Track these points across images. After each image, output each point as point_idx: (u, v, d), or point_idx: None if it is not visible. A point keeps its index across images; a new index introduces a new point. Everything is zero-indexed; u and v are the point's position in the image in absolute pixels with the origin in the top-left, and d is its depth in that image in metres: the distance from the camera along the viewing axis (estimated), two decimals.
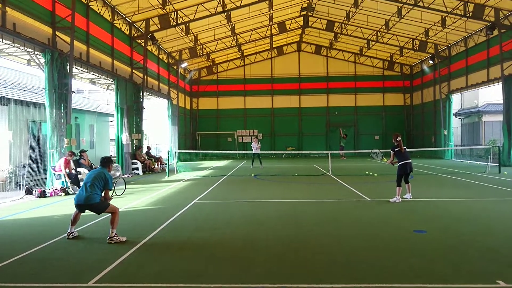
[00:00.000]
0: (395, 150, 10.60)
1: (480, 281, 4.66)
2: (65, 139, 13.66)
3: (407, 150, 10.86)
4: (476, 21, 22.31)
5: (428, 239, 6.61)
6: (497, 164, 18.18)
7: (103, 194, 6.89)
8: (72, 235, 6.91)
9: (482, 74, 24.44)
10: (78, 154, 15.30)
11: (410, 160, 10.52)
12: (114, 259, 5.60)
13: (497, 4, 20.36)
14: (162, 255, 5.87)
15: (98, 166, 7.28)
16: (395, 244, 6.36)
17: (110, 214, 6.81)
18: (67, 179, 12.85)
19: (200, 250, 6.16)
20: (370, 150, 15.03)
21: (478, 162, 23.50)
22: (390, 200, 10.31)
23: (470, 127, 31.72)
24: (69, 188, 12.79)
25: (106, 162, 7.17)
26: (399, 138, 10.60)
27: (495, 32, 21.57)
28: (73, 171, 13.22)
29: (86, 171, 14.10)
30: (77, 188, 12.78)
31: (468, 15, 21.40)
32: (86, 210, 6.95)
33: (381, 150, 14.36)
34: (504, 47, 21.15)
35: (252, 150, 23.18)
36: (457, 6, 21.33)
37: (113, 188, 6.95)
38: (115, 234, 6.60)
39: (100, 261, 5.55)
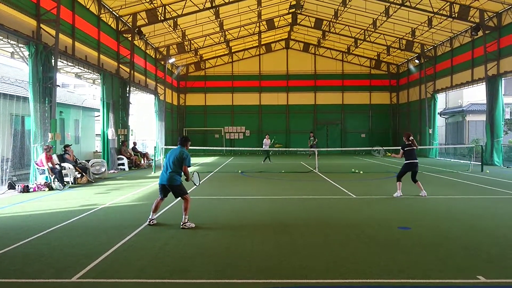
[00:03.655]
0: (405, 148, 10.84)
1: (462, 277, 4.76)
2: (49, 134, 13.45)
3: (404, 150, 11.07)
4: (461, 22, 22.65)
5: (412, 236, 6.72)
6: (480, 163, 18.55)
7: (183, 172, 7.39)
8: (152, 222, 7.43)
9: (467, 74, 24.83)
10: (63, 149, 15.06)
11: (417, 161, 10.84)
12: (99, 255, 5.55)
13: (482, 6, 20.70)
14: (148, 251, 5.83)
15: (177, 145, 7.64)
16: (379, 240, 6.44)
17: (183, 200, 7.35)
18: (50, 174, 12.65)
19: (186, 246, 6.14)
20: (371, 148, 15.22)
21: (462, 161, 23.91)
22: (394, 195, 10.79)
23: (454, 126, 32.25)
24: (53, 183, 12.58)
25: (184, 140, 7.69)
26: (411, 138, 10.87)
27: (480, 33, 21.94)
28: (57, 166, 13.01)
29: (71, 167, 13.91)
30: (60, 184, 12.55)
31: (453, 15, 21.72)
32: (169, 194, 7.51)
33: (384, 148, 14.36)
34: (488, 48, 21.51)
35: (263, 146, 23.78)
36: (443, 7, 21.62)
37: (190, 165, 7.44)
38: (187, 220, 7.28)
39: (84, 256, 5.49)
